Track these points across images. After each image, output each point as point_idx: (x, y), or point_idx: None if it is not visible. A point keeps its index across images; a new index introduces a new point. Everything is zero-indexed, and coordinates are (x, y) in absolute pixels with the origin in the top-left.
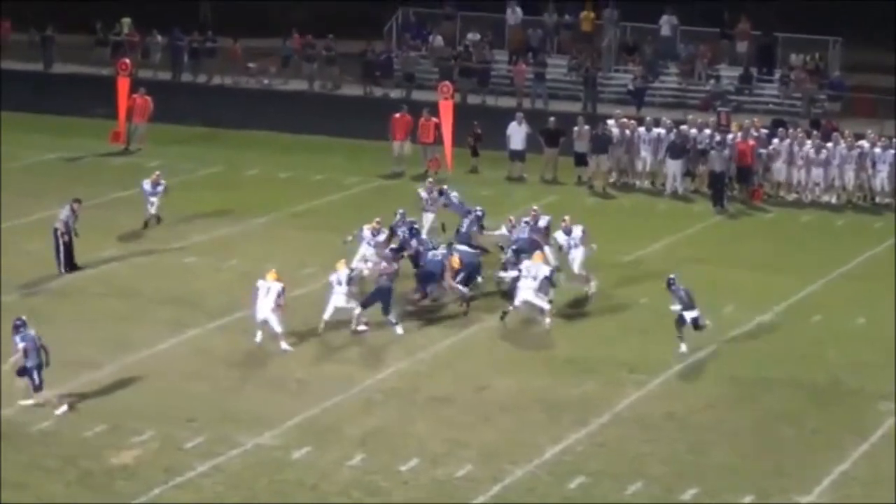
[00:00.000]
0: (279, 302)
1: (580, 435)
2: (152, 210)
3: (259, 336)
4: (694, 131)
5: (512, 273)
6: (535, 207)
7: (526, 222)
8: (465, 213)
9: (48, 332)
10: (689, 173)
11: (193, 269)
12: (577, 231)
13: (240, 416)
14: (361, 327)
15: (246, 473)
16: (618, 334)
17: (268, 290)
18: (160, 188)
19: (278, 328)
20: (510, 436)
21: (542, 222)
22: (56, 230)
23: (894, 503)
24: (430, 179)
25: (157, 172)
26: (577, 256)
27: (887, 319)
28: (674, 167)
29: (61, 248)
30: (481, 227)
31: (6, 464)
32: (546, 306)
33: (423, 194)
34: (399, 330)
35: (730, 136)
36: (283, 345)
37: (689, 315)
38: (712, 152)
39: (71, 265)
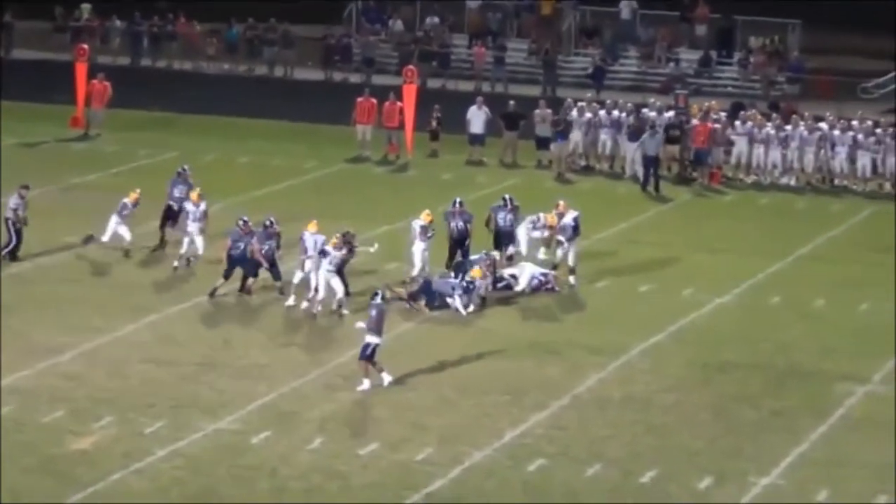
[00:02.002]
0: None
1: (540, 417)
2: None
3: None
4: (654, 114)
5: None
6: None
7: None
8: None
9: (9, 319)
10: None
11: (152, 254)
12: (569, 218)
13: (199, 401)
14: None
15: (205, 458)
16: (578, 317)
17: (316, 244)
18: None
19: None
20: (470, 419)
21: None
22: (8, 219)
23: None
24: (199, 192)
25: (139, 190)
26: (569, 248)
27: (845, 301)
28: (633, 150)
29: (13, 236)
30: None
31: None
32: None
33: (190, 207)
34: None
35: (694, 121)
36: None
37: (372, 340)
38: (645, 135)
39: (14, 254)
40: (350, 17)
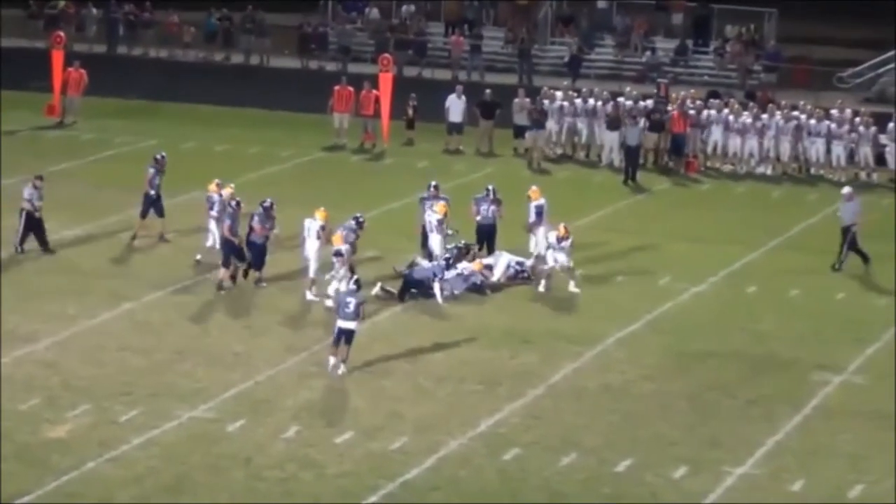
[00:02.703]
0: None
1: (515, 406)
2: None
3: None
4: (630, 103)
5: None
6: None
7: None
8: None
9: None
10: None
11: (129, 243)
12: (532, 205)
13: (175, 389)
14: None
15: (180, 447)
16: (553, 306)
17: (309, 230)
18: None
19: (311, 273)
20: (445, 408)
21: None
22: (22, 210)
23: None
24: (218, 181)
25: (218, 180)
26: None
27: (822, 290)
28: (610, 139)
29: (22, 225)
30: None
31: None
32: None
33: (214, 196)
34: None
35: (670, 107)
36: (308, 294)
37: (345, 325)
38: (628, 125)
39: (44, 244)
40: (326, 5)
